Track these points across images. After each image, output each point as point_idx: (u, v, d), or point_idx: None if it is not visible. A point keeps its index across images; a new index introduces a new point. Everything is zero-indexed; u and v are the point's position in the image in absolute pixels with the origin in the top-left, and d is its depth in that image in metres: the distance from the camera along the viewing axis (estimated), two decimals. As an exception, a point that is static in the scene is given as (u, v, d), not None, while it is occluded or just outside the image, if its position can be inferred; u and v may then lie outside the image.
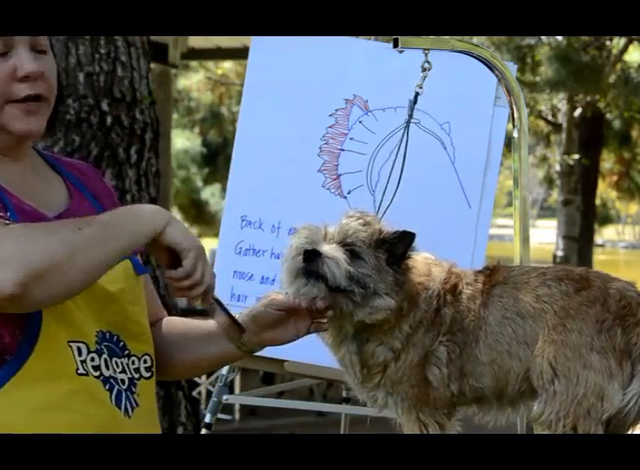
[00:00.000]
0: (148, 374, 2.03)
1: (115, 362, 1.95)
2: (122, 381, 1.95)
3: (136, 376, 1.99)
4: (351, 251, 2.06)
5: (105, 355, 1.93)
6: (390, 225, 2.15)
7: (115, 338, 1.97)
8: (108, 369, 1.93)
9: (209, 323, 2.15)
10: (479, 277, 2.17)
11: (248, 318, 2.10)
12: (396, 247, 2.10)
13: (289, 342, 2.15)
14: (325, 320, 2.11)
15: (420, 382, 2.11)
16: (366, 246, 2.08)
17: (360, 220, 2.11)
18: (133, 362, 2.00)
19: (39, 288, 1.73)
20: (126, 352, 1.98)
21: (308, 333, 2.14)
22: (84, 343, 1.90)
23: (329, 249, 2.04)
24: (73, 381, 1.86)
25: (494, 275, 2.17)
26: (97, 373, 1.91)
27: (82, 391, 1.87)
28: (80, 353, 1.89)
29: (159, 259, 1.92)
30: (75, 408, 1.85)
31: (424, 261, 2.19)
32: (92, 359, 1.90)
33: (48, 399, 1.83)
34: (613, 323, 2.04)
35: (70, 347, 1.88)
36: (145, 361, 2.03)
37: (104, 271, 1.83)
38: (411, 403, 2.12)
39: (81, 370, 1.88)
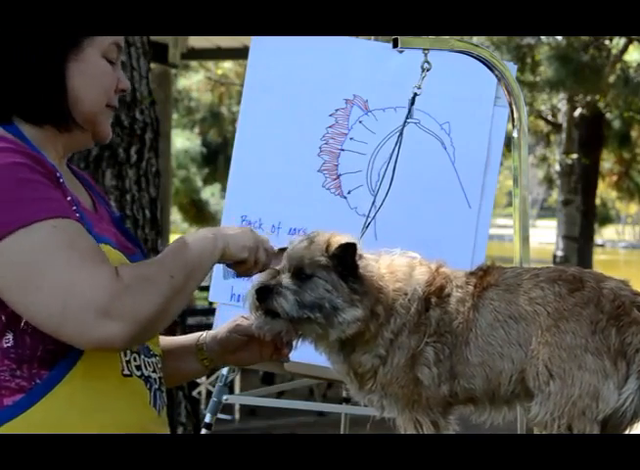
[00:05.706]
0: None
1: (148, 362, 1.99)
2: (155, 380, 2.00)
3: (161, 375, 2.04)
4: (301, 276, 2.07)
5: (143, 356, 1.98)
6: (340, 236, 2.12)
7: None
8: (146, 369, 1.98)
9: (181, 339, 2.26)
10: (470, 279, 2.16)
11: (213, 341, 2.21)
12: (344, 259, 2.08)
13: (252, 364, 2.30)
14: (287, 349, 2.19)
15: (409, 382, 2.12)
16: (315, 265, 2.07)
17: (304, 242, 2.10)
18: (158, 362, 2.05)
19: (140, 337, 1.84)
20: (151, 352, 2.03)
21: (271, 359, 2.23)
22: None
23: (278, 282, 2.06)
24: (119, 382, 1.90)
25: (487, 277, 2.15)
26: (139, 373, 1.95)
27: (127, 392, 1.91)
28: (125, 354, 1.93)
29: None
30: (121, 410, 1.89)
31: (406, 264, 2.18)
32: (134, 359, 1.95)
33: (98, 401, 1.86)
34: (607, 323, 2.04)
35: None
36: (160, 362, 2.07)
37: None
38: (404, 403, 2.13)
39: (126, 371, 1.92)
